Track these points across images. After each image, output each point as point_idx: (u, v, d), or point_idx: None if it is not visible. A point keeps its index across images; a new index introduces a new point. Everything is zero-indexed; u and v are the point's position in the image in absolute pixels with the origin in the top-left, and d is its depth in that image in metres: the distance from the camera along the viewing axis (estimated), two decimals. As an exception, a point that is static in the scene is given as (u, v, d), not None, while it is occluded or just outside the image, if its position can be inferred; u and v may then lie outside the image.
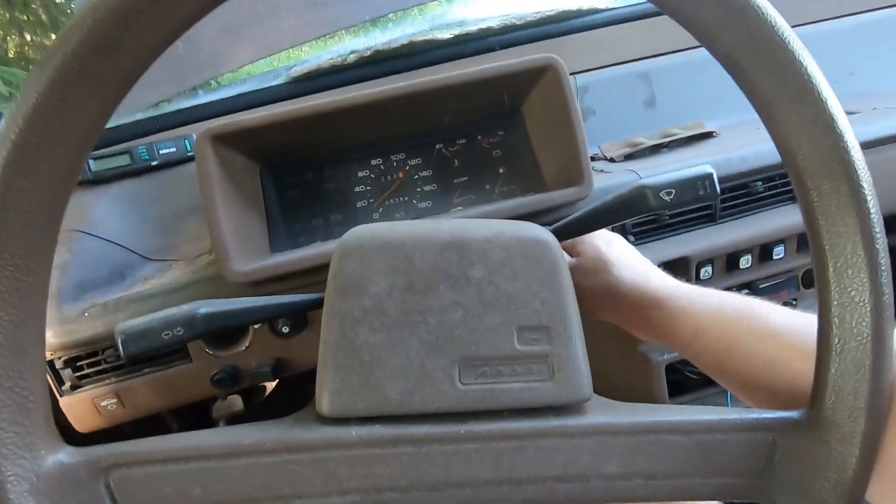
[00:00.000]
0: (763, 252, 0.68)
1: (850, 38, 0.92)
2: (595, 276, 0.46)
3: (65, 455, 0.26)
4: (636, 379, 0.72)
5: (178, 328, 0.37)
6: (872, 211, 0.28)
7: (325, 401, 0.29)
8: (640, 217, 0.68)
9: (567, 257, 0.46)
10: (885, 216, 0.76)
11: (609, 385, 0.78)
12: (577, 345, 0.31)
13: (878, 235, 0.28)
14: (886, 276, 0.28)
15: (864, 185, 0.27)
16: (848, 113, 0.79)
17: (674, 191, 0.38)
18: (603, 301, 0.46)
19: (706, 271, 0.67)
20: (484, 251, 0.31)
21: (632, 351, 0.73)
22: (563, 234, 0.42)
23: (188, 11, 0.24)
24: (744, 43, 0.27)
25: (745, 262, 0.67)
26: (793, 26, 0.88)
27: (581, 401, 0.31)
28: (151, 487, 0.27)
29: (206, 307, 0.38)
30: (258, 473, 0.27)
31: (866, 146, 0.72)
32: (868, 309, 0.28)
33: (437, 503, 0.29)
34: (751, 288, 0.72)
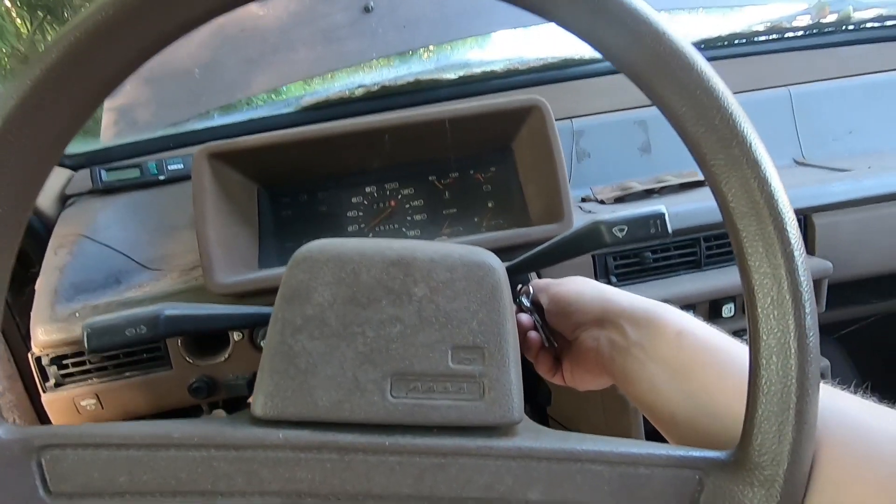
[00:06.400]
0: (747, 301, 0.67)
1: (852, 98, 0.94)
2: (563, 308, 0.46)
3: (2, 431, 0.27)
4: (614, 421, 0.71)
5: (142, 326, 0.39)
6: (797, 253, 0.28)
7: (258, 403, 0.30)
8: (625, 258, 0.69)
9: (548, 302, 0.47)
10: (874, 276, 0.75)
11: (589, 425, 0.76)
12: (510, 368, 0.31)
13: (803, 278, 0.28)
14: (811, 319, 0.28)
15: (790, 227, 0.28)
16: (842, 170, 0.79)
17: (626, 227, 0.39)
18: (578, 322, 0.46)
19: (688, 317, 0.66)
20: (428, 270, 0.32)
21: (612, 393, 0.72)
22: (520, 269, 0.43)
23: (156, 36, 0.27)
24: (674, 89, 0.29)
25: (728, 310, 0.67)
26: (797, 83, 0.89)
27: (509, 423, 0.31)
28: (80, 471, 0.28)
29: (171, 309, 0.40)
30: (183, 467, 0.28)
31: (858, 203, 0.72)
32: (793, 352, 0.28)
33: None
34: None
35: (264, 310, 0.46)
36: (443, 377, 0.31)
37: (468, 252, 0.34)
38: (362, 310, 0.32)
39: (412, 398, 0.31)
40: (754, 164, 0.28)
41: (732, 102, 0.29)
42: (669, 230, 0.39)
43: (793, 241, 0.28)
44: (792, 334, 0.28)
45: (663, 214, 0.39)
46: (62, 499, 0.28)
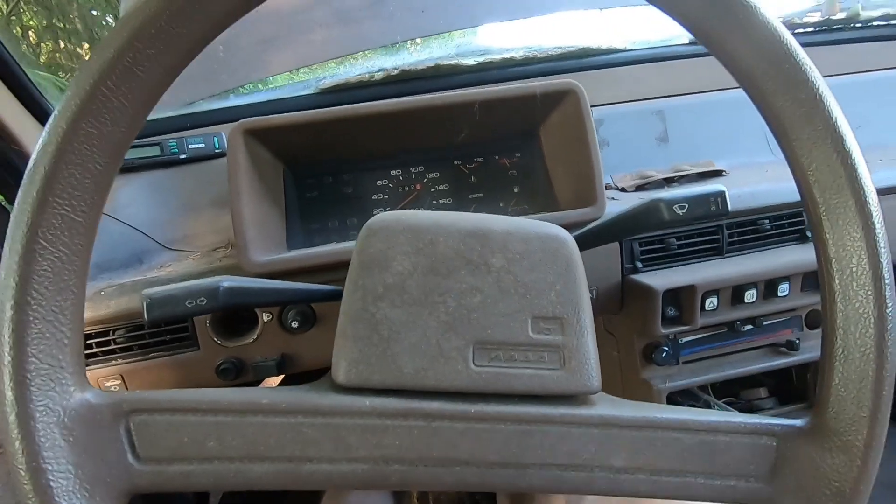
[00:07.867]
0: (768, 288, 0.69)
1: (860, 93, 0.96)
2: None
3: (92, 395, 0.27)
4: (636, 406, 0.72)
5: (202, 298, 0.38)
6: (878, 225, 0.29)
7: (341, 370, 0.30)
8: (650, 244, 0.70)
9: None
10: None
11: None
12: (588, 338, 0.32)
13: (883, 249, 0.29)
14: (890, 290, 0.29)
15: (871, 199, 0.29)
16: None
17: (687, 205, 0.39)
18: None
19: (711, 302, 0.68)
20: (504, 242, 0.32)
21: (635, 377, 0.73)
22: (583, 244, 0.44)
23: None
24: (761, 62, 0.29)
25: (751, 296, 0.68)
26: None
27: (590, 392, 0.31)
28: (169, 435, 0.27)
29: (229, 281, 0.39)
30: (272, 433, 0.28)
31: (872, 194, 0.74)
32: (872, 321, 0.29)
33: (443, 480, 0.29)
34: (755, 324, 0.72)
35: (315, 287, 0.46)
36: (524, 346, 0.31)
37: (539, 225, 0.34)
38: (442, 279, 0.31)
39: (494, 366, 0.31)
40: (838, 139, 0.29)
41: (818, 77, 0.29)
42: (730, 208, 0.39)
43: (874, 214, 0.29)
44: (872, 303, 0.29)
45: (724, 192, 0.39)
46: (151, 464, 0.27)
